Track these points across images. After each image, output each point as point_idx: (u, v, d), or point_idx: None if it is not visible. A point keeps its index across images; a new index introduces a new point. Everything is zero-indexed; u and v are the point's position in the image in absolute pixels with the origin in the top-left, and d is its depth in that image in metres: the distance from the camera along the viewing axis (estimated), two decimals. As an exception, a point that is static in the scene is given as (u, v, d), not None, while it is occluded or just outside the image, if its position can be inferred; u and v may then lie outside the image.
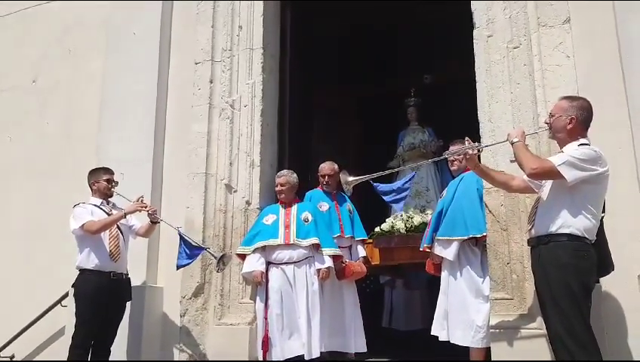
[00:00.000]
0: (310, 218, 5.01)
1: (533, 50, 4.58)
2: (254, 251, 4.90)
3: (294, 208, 5.06)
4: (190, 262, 4.98)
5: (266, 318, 4.75)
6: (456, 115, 6.28)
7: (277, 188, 5.13)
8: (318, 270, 4.86)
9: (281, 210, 5.06)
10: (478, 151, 3.82)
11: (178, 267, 4.97)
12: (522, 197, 4.32)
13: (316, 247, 4.91)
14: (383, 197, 5.20)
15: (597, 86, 4.31)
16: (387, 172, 4.74)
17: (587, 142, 3.43)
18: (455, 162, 4.79)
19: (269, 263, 4.91)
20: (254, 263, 4.86)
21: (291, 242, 4.87)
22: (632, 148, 4.18)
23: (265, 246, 4.91)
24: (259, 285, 4.88)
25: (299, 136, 6.19)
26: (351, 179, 4.11)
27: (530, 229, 3.56)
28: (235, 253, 5.07)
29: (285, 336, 4.73)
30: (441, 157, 4.58)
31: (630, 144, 4.20)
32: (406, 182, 5.01)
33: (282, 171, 5.25)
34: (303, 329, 4.72)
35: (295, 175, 5.20)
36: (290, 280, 4.84)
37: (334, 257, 4.94)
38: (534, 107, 4.50)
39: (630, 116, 4.25)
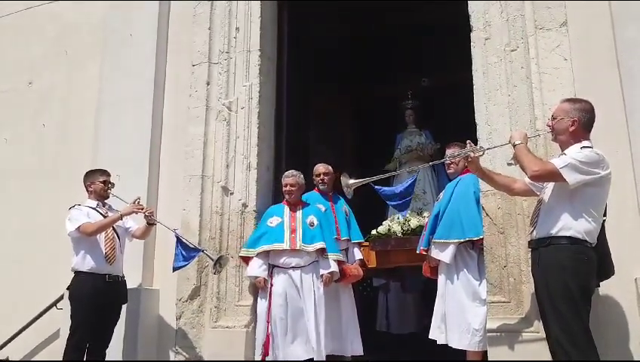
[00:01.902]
0: (316, 222, 4.99)
1: (531, 53, 4.59)
2: (257, 255, 4.87)
3: (300, 211, 5.05)
4: (186, 265, 4.94)
5: (268, 321, 4.72)
6: (454, 118, 6.28)
7: (286, 189, 5.05)
8: (322, 275, 4.86)
9: (287, 213, 5.01)
10: (481, 154, 3.80)
11: (174, 269, 4.93)
12: (519, 199, 4.32)
13: (321, 251, 4.90)
14: (387, 202, 5.18)
15: (594, 89, 4.30)
16: (388, 175, 4.74)
17: (590, 144, 3.42)
18: (452, 165, 4.79)
19: (273, 266, 4.87)
20: (257, 269, 4.84)
21: (297, 248, 4.84)
22: (630, 151, 4.19)
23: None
24: (262, 290, 4.86)
25: (296, 138, 6.19)
26: (352, 182, 4.08)
27: (532, 232, 3.54)
28: (239, 255, 5.03)
29: (288, 341, 4.71)
30: (443, 160, 4.56)
31: (627, 147, 4.21)
32: (408, 186, 4.99)
33: (291, 171, 5.17)
34: (312, 334, 4.70)
35: (302, 176, 5.17)
36: (297, 284, 4.81)
37: (337, 262, 4.96)
38: (531, 110, 4.50)
39: (627, 119, 4.25)
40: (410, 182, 5.06)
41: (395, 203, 5.02)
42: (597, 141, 3.55)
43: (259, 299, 4.92)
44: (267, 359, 4.65)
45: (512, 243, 4.38)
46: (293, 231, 4.90)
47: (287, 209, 5.06)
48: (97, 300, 4.58)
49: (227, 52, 5.71)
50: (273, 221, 4.97)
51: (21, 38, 6.86)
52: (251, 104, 5.57)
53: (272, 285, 4.82)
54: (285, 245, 4.83)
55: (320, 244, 4.88)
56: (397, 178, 6.44)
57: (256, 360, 4.74)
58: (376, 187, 4.95)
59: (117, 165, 5.30)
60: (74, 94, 6.39)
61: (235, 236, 5.28)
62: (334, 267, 4.86)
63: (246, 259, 4.98)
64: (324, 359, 4.67)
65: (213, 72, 5.71)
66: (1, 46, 6.97)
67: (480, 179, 4.09)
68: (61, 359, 4.58)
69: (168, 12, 6.10)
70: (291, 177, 5.08)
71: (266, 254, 4.89)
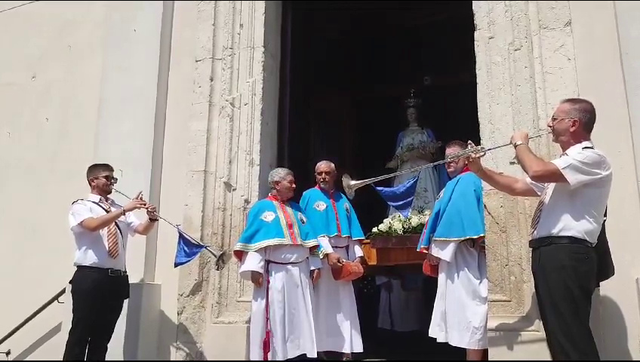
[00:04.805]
0: (305, 218, 5.05)
1: (534, 53, 4.60)
2: (257, 250, 4.78)
3: (290, 208, 5.04)
4: (189, 260, 4.96)
5: (267, 318, 4.68)
6: (456, 117, 6.29)
7: (292, 186, 5.01)
8: (312, 271, 4.93)
9: (278, 208, 4.95)
10: (482, 154, 3.79)
11: (176, 265, 4.94)
12: (521, 199, 4.33)
13: (312, 248, 4.95)
14: (389, 202, 5.18)
15: (597, 89, 4.32)
16: (389, 176, 4.73)
17: (591, 145, 3.43)
18: (452, 164, 4.79)
19: (269, 262, 4.81)
20: (255, 264, 4.74)
21: (298, 243, 4.84)
22: (632, 151, 4.21)
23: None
24: (258, 287, 4.80)
25: (298, 135, 6.19)
26: (353, 183, 4.08)
27: (533, 231, 3.55)
28: (235, 249, 4.92)
29: (288, 337, 4.69)
30: (444, 161, 4.57)
31: (630, 147, 4.22)
32: (410, 187, 4.99)
33: (287, 169, 5.13)
34: (311, 328, 4.72)
35: None
36: (297, 280, 4.81)
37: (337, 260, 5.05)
38: (535, 109, 4.51)
39: (630, 119, 4.27)
40: (411, 182, 5.05)
41: (396, 204, 5.02)
42: (599, 141, 3.55)
43: (254, 296, 4.83)
44: (268, 357, 4.61)
45: (514, 242, 4.39)
46: (290, 226, 4.87)
47: (277, 204, 4.99)
48: (99, 295, 4.59)
49: (231, 48, 5.71)
50: (267, 216, 4.88)
51: (24, 31, 6.84)
52: (254, 100, 5.57)
53: (268, 281, 4.77)
54: (286, 240, 4.80)
55: (315, 241, 4.94)
56: (398, 178, 6.44)
57: (253, 359, 4.70)
58: (377, 188, 4.95)
59: (119, 160, 5.30)
60: (77, 89, 6.38)
61: (237, 232, 5.26)
62: (321, 263, 4.99)
63: (239, 254, 4.87)
64: (316, 355, 4.69)
65: (217, 68, 5.71)
66: (3, 39, 6.96)
67: (481, 179, 4.08)
68: (63, 353, 4.58)
69: (172, 8, 6.09)
70: (292, 175, 5.07)
71: (263, 250, 4.80)
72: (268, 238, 4.78)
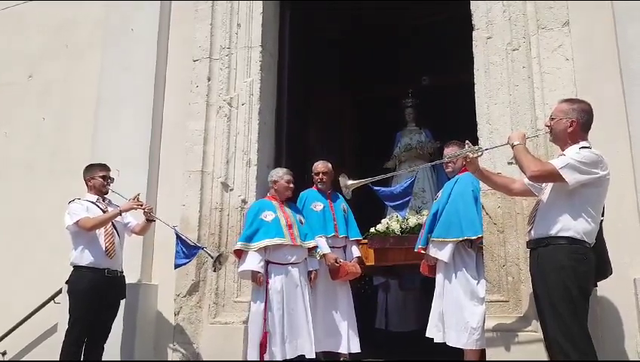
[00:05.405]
0: (303, 219, 5.04)
1: (532, 53, 4.59)
2: (257, 250, 4.77)
3: (288, 208, 5.04)
4: (188, 262, 4.94)
5: (265, 319, 4.66)
6: (455, 117, 6.27)
7: (290, 186, 5.02)
8: (310, 271, 4.93)
9: (278, 209, 4.95)
10: (480, 154, 3.78)
11: (176, 266, 4.93)
12: (519, 199, 4.32)
13: (310, 249, 4.95)
14: (386, 202, 5.17)
15: (595, 89, 4.31)
16: (387, 175, 4.74)
17: (588, 145, 3.41)
18: (449, 164, 4.78)
19: (269, 263, 4.80)
20: (256, 264, 4.74)
21: (297, 243, 4.84)
22: (630, 152, 4.20)
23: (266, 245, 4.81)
24: (257, 287, 4.79)
25: (296, 135, 6.18)
26: (350, 183, 4.07)
27: (530, 231, 3.54)
28: (235, 248, 4.90)
29: (287, 337, 4.68)
30: (442, 161, 4.56)
31: (628, 147, 4.21)
32: (407, 187, 4.97)
33: (287, 170, 5.14)
34: (310, 329, 4.72)
35: None
36: (296, 280, 4.80)
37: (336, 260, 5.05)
38: (533, 109, 4.51)
39: (628, 119, 4.25)
40: (408, 182, 5.04)
41: (393, 203, 5.01)
42: (597, 141, 3.54)
43: (253, 296, 4.83)
44: (265, 358, 4.59)
45: (511, 243, 4.39)
46: (289, 226, 4.87)
47: (277, 204, 4.99)
48: (96, 295, 4.58)
49: (228, 48, 5.70)
50: (267, 215, 4.88)
51: (21, 30, 6.85)
52: (252, 100, 5.56)
53: (267, 282, 4.76)
54: (286, 240, 4.80)
55: (314, 242, 4.95)
56: (396, 178, 6.42)
57: (251, 359, 4.69)
58: (374, 188, 4.94)
59: (116, 160, 5.28)
60: (74, 88, 6.38)
61: (235, 232, 5.25)
62: (318, 264, 5.00)
63: (238, 253, 4.86)
64: (314, 356, 4.69)
65: (214, 68, 5.70)
66: (2, 39, 6.95)
67: (479, 179, 4.07)
68: (59, 353, 4.57)
69: (170, 7, 6.09)
70: (290, 175, 5.07)
71: (262, 249, 4.79)
72: (268, 238, 4.78)
